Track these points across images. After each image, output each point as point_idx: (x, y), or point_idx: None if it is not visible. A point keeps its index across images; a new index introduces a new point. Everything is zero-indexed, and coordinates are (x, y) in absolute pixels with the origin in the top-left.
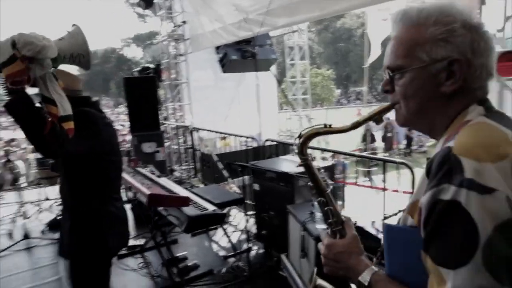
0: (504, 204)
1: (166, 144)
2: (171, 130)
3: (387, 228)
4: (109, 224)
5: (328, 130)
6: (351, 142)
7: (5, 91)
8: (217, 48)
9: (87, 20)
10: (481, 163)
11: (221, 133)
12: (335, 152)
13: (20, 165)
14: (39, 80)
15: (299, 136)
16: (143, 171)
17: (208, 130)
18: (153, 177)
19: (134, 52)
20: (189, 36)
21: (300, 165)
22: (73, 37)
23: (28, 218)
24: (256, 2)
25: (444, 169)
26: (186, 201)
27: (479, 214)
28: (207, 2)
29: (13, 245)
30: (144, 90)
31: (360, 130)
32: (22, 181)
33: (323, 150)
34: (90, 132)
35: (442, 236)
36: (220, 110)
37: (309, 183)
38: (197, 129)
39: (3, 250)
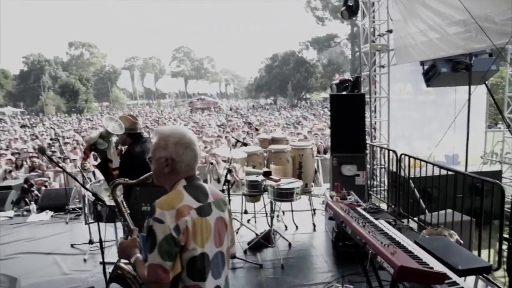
0: (167, 229)
1: None
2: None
3: (141, 236)
4: None
5: (126, 182)
6: None
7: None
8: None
9: (270, 26)
10: (162, 210)
11: (427, 162)
12: None
13: None
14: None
15: (112, 184)
16: (362, 211)
17: (415, 158)
18: (377, 222)
19: (312, 55)
20: (393, 46)
21: (112, 200)
22: (105, 126)
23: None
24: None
25: (151, 211)
26: (442, 278)
27: (157, 232)
28: (420, 9)
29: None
30: (351, 109)
31: None
32: None
33: None
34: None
35: (148, 240)
36: (417, 127)
37: (116, 210)
38: (408, 156)
39: None
